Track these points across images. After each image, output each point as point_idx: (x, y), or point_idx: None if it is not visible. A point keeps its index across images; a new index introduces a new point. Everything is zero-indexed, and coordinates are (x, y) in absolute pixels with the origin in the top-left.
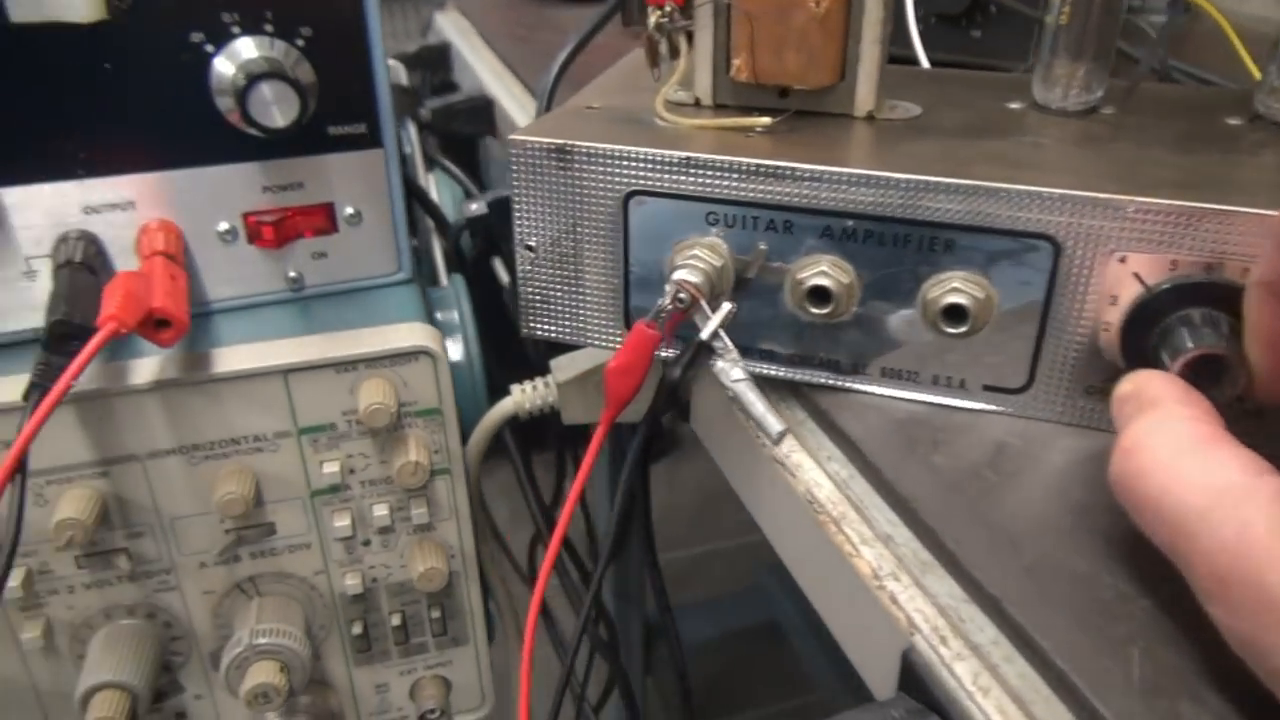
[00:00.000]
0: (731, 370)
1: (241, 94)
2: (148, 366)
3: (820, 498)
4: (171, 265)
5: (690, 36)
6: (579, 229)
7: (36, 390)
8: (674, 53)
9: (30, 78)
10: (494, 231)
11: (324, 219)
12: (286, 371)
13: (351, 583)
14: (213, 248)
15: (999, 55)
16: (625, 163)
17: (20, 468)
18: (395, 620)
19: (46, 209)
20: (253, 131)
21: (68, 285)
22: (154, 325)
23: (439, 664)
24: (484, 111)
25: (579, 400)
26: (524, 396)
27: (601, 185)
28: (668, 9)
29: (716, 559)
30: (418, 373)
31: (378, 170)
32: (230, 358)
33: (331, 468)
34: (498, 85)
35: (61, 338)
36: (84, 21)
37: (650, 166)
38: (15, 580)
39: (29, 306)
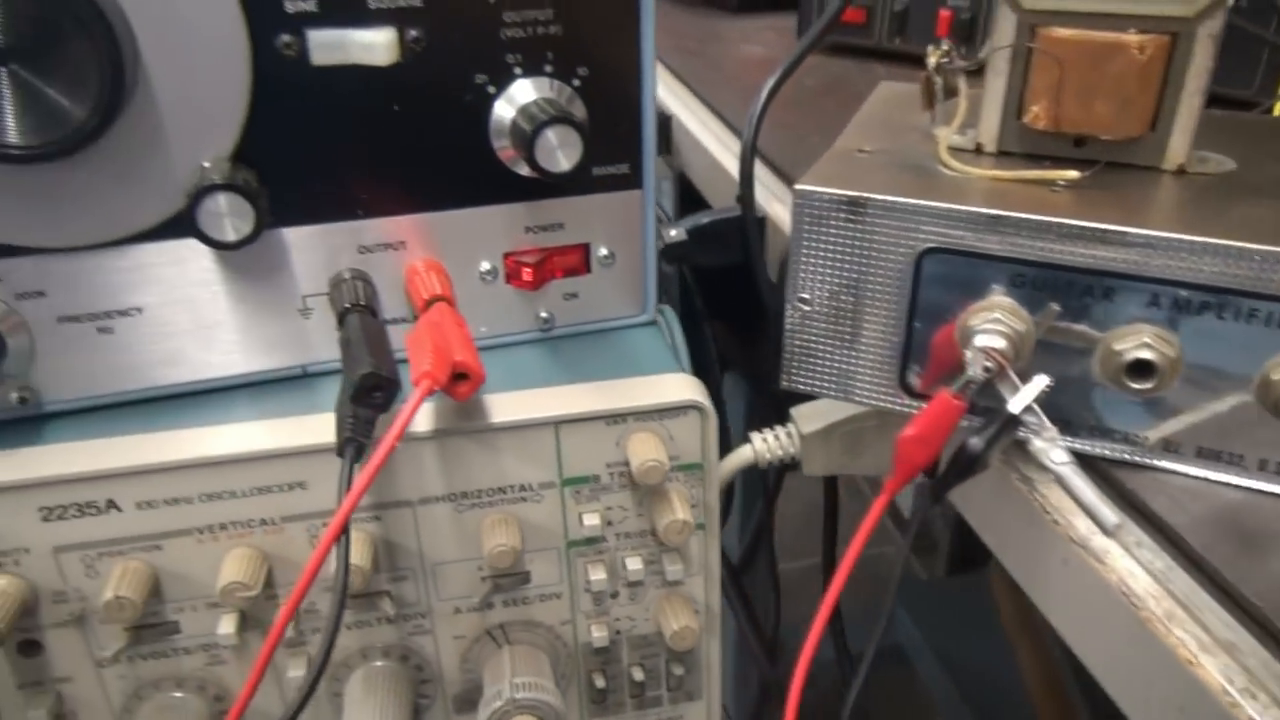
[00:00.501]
0: (1052, 450)
1: (529, 139)
2: (427, 414)
3: (1137, 591)
4: (453, 311)
5: (970, 77)
6: (862, 284)
7: (351, 445)
8: (949, 93)
9: (324, 120)
10: (692, 260)
11: (579, 260)
12: (558, 423)
13: (599, 634)
14: (473, 287)
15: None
16: (923, 218)
17: (345, 528)
18: (637, 674)
19: (327, 248)
20: (529, 174)
21: (363, 332)
22: (453, 378)
23: (671, 718)
24: (661, 128)
25: (822, 453)
26: (764, 446)
27: (895, 240)
28: (945, 47)
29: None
30: (685, 427)
31: (635, 211)
32: (504, 407)
33: (592, 520)
34: (674, 102)
35: (369, 390)
36: (382, 65)
37: (952, 223)
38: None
39: (301, 343)
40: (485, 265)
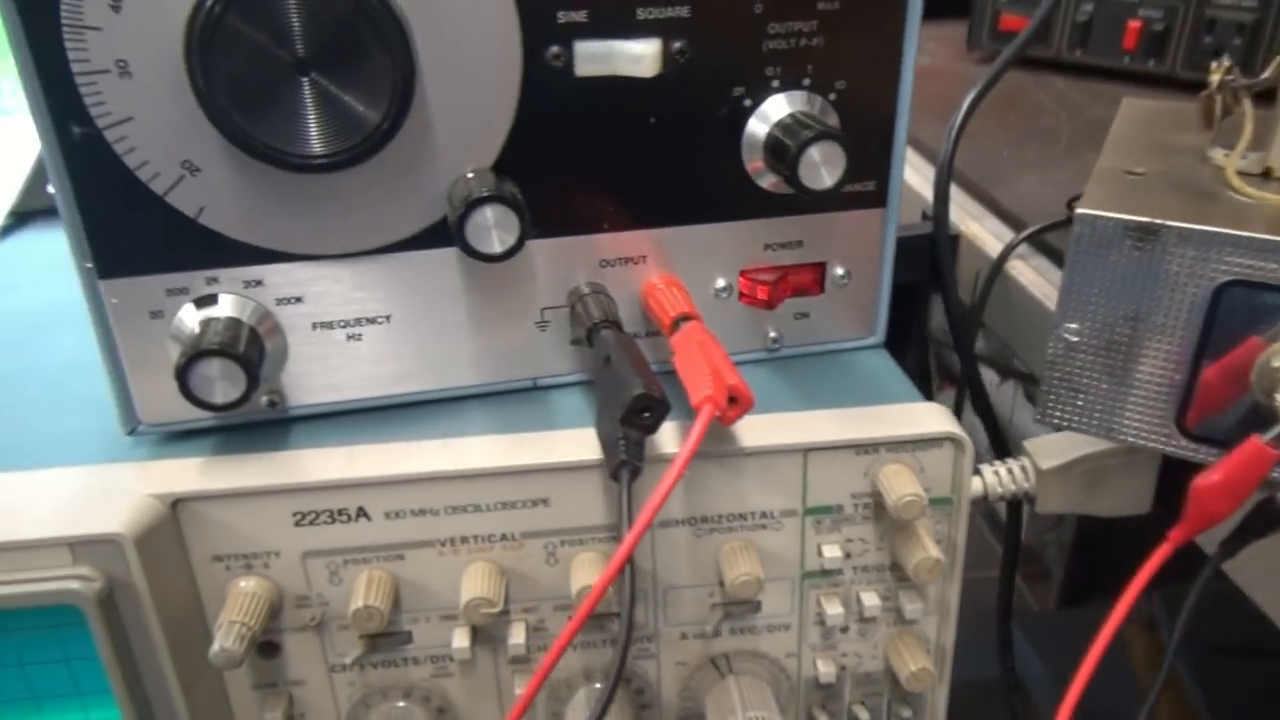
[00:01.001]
0: None
1: (794, 155)
2: (672, 436)
3: None
4: (706, 331)
5: (1258, 98)
6: (1144, 316)
7: (626, 469)
8: (1227, 112)
9: (582, 131)
10: None
11: (813, 279)
12: (807, 450)
13: (825, 669)
14: (706, 305)
15: None
16: (1227, 248)
17: (630, 557)
18: (862, 714)
19: (569, 261)
20: (772, 189)
21: (624, 351)
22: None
23: None
24: None
25: (1059, 490)
26: (994, 479)
27: (1190, 271)
28: (1227, 64)
29: None
30: (937, 460)
31: (875, 230)
32: (752, 432)
33: (831, 551)
34: None
35: (639, 411)
36: (645, 76)
37: (1262, 255)
38: (520, 637)
39: (534, 356)
40: (721, 282)
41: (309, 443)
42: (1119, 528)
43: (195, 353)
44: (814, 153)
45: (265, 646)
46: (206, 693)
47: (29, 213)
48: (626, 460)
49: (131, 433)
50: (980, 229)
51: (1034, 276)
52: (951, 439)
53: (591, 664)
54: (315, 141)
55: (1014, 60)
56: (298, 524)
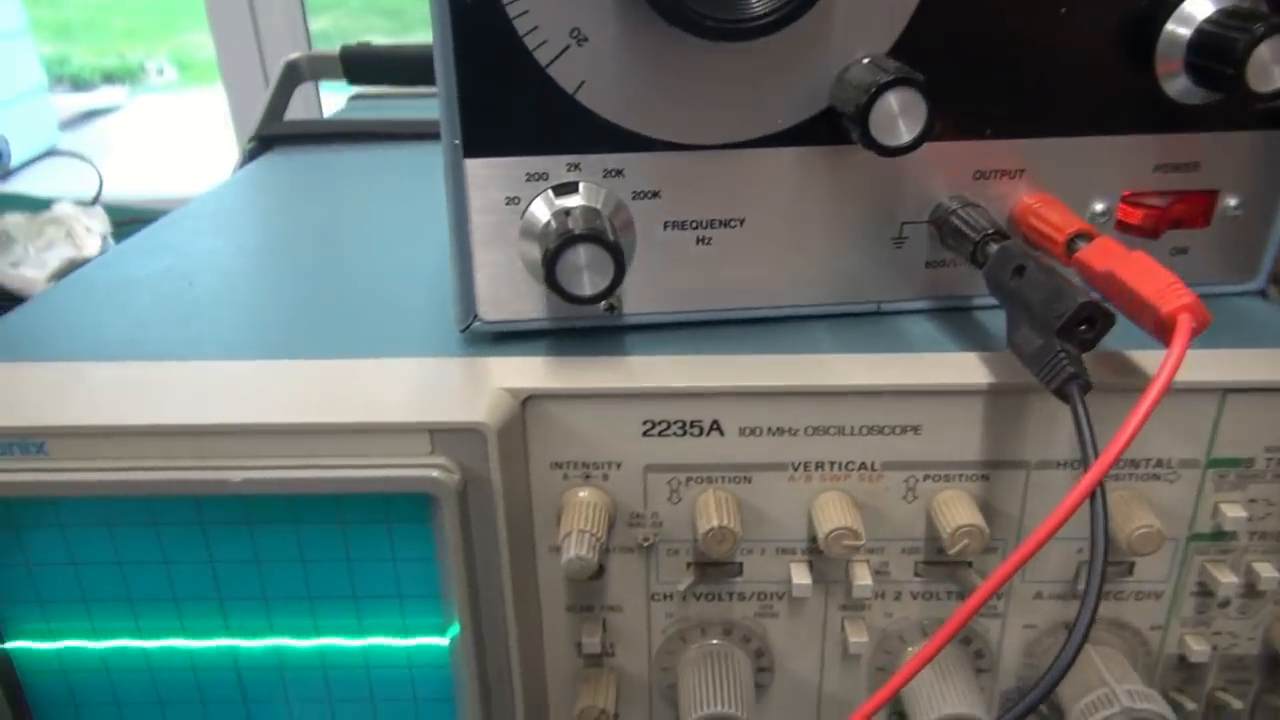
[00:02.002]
0: None
1: (1242, 53)
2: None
3: None
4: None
5: None
6: None
7: (1077, 383)
8: None
9: (986, 22)
10: None
11: (1201, 210)
12: (1226, 391)
13: (1197, 648)
14: None
15: None
16: None
17: (1103, 481)
18: (1233, 701)
19: (943, 169)
20: (1181, 98)
21: (1038, 262)
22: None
23: None
24: None
25: None
26: None
27: None
28: None
29: None
30: None
31: None
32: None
33: (1233, 511)
34: None
35: (1079, 322)
36: None
37: None
38: (866, 579)
39: (884, 277)
40: (1099, 205)
41: (646, 353)
42: None
43: (566, 238)
44: (1265, 50)
45: None
46: (527, 608)
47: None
48: (1076, 374)
49: (466, 329)
50: None
51: None
52: None
53: (933, 617)
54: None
55: None
56: (646, 434)
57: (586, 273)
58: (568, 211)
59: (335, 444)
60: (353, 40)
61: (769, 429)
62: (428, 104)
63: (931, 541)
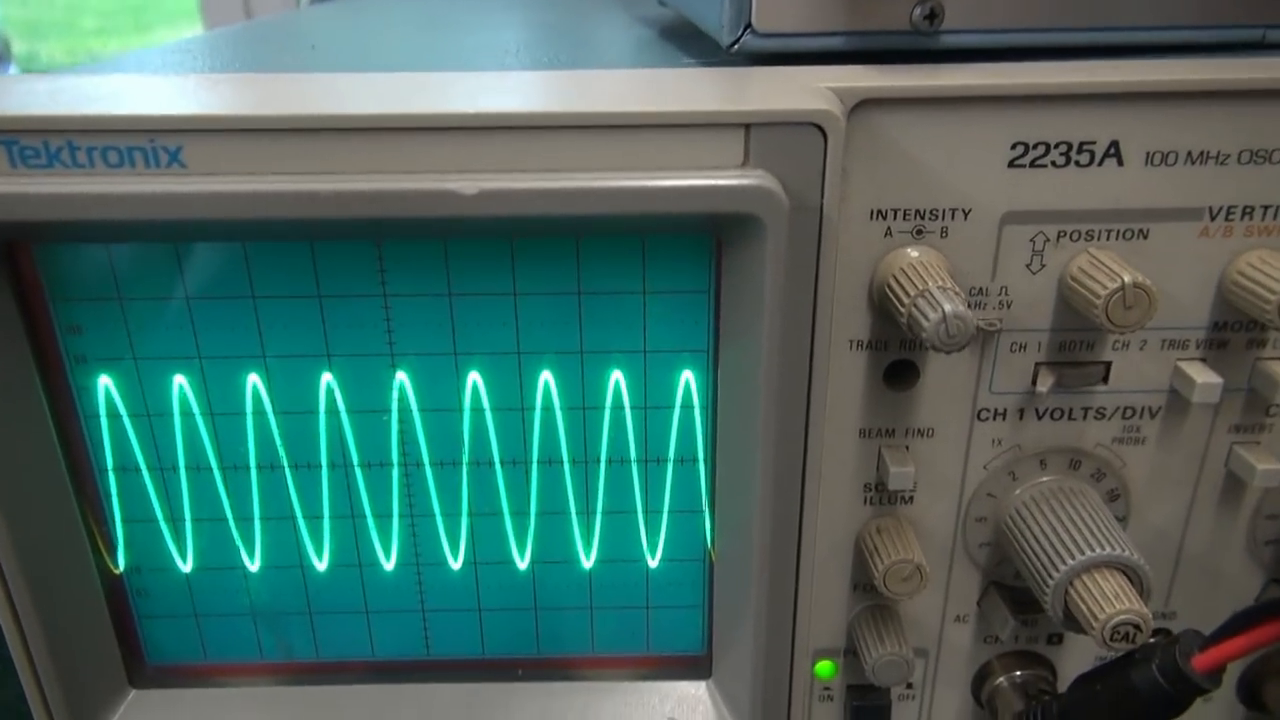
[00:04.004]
0: None
1: None
2: None
3: None
4: None
5: None
6: None
7: None
8: None
9: None
10: None
11: None
12: None
13: None
14: None
15: None
16: None
17: None
18: None
19: None
20: None
21: None
22: None
23: None
24: None
25: None
26: None
27: None
28: None
29: None
30: None
31: None
32: None
33: None
34: None
35: None
36: None
37: None
38: None
39: None
40: None
41: None
42: None
43: None
44: None
45: (898, 366)
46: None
47: None
48: None
49: (733, 45)
50: None
51: None
52: None
53: None
54: None
55: None
56: (1014, 162)
57: None
58: None
59: (615, 146)
60: None
61: (1188, 155)
62: None
63: None
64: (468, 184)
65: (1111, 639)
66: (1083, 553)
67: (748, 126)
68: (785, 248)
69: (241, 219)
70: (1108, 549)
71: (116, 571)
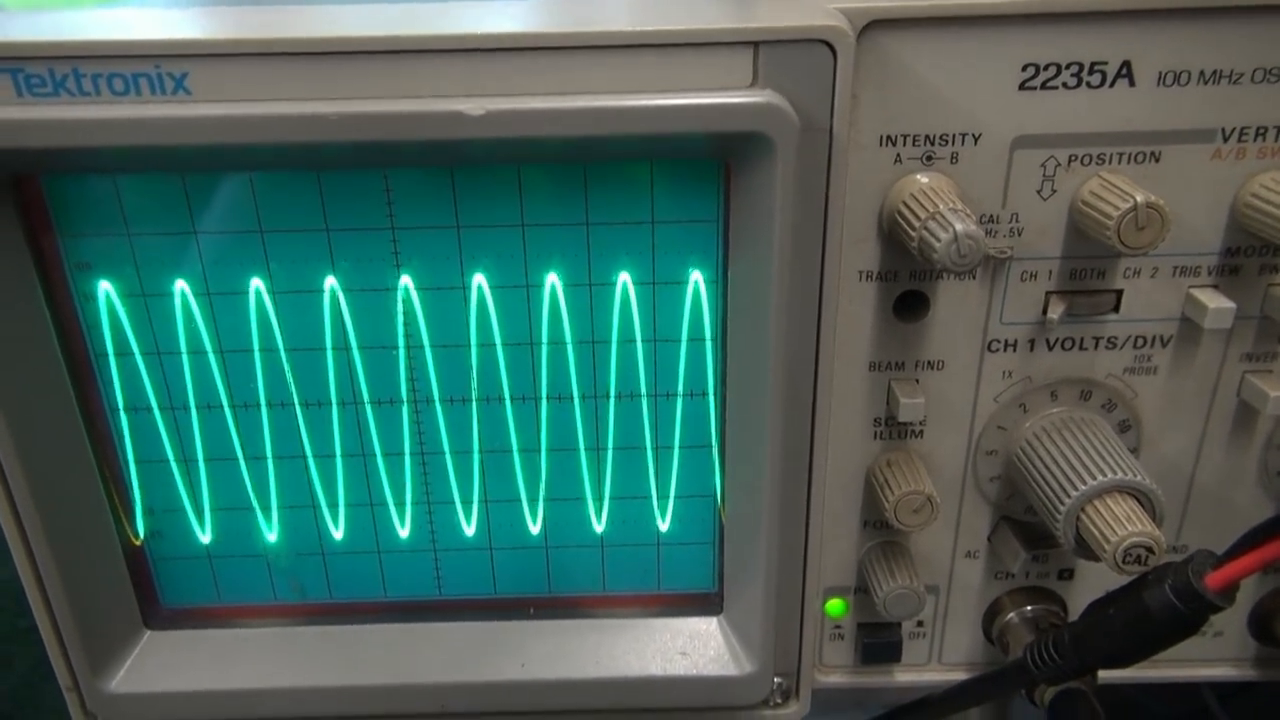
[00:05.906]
0: None
1: None
2: None
3: None
4: None
5: None
6: None
7: None
8: None
9: None
10: None
11: None
12: None
13: None
14: None
15: None
16: None
17: None
18: None
19: None
20: None
21: None
22: None
23: None
24: None
25: None
26: None
27: None
28: None
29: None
30: None
31: None
32: None
33: None
34: None
35: None
36: None
37: None
38: None
39: None
40: None
41: None
42: None
43: None
44: None
45: (908, 298)
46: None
47: None
48: None
49: None
50: None
51: None
52: None
53: None
54: None
55: None
56: (1024, 84)
57: None
58: None
59: (623, 67)
60: None
61: (1200, 75)
62: None
63: None
64: (475, 105)
65: (1124, 562)
66: (1094, 478)
67: (756, 45)
68: (795, 168)
69: (247, 143)
70: (1119, 474)
71: (131, 515)
